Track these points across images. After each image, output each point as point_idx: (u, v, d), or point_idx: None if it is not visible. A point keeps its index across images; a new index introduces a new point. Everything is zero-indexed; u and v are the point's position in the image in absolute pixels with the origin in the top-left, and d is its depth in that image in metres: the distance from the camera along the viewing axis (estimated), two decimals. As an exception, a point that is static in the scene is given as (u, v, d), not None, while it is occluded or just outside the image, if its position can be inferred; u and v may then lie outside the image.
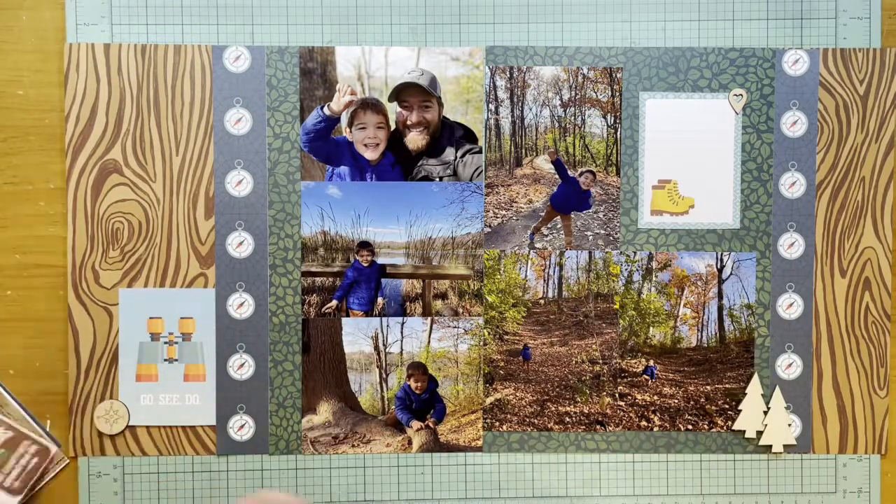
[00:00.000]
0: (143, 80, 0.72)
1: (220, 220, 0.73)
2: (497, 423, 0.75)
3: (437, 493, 0.74)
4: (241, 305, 0.73)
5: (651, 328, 0.75)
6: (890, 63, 0.74)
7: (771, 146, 0.74)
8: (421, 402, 0.75)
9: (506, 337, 0.75)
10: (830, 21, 0.74)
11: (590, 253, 0.75)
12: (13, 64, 0.72)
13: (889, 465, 0.76)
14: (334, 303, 0.74)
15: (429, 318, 0.75)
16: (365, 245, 0.74)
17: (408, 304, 0.74)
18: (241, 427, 0.74)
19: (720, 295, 0.75)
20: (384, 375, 0.75)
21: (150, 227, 0.73)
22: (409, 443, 0.75)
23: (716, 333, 0.75)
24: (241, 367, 0.74)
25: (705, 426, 0.75)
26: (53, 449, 0.71)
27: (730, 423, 0.75)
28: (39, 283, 0.73)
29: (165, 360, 0.73)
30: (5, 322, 0.73)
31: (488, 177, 0.74)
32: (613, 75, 0.74)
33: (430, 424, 0.74)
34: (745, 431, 0.75)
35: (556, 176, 0.75)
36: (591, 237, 0.75)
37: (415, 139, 0.73)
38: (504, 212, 0.75)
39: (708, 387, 0.75)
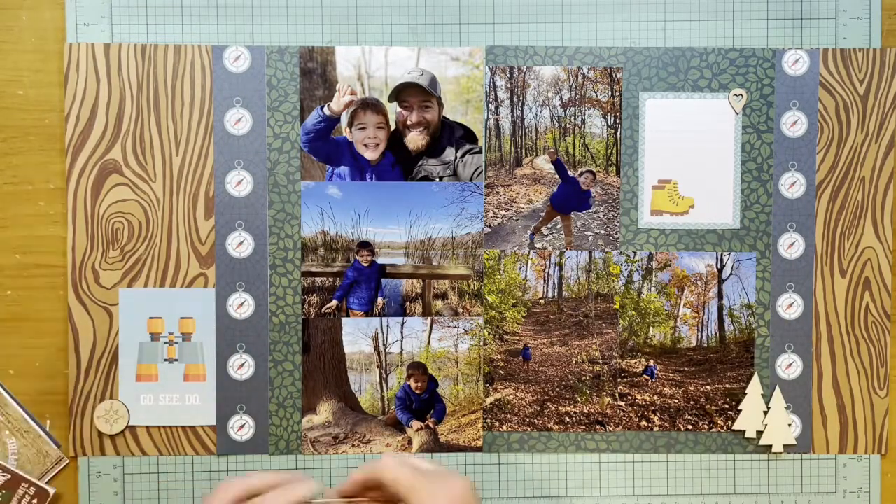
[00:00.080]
0: (143, 80, 0.72)
1: (220, 220, 0.73)
2: (497, 423, 0.75)
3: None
4: (241, 305, 0.73)
5: (651, 328, 0.75)
6: (890, 63, 0.74)
7: (771, 146, 0.74)
8: (421, 402, 0.75)
9: (506, 337, 0.75)
10: (830, 21, 0.74)
11: (590, 253, 0.75)
12: (13, 64, 0.72)
13: (889, 465, 0.76)
14: (334, 303, 0.74)
15: (429, 318, 0.75)
16: (365, 245, 0.74)
17: (408, 304, 0.74)
18: (241, 427, 0.74)
19: (720, 295, 0.75)
20: (384, 375, 0.75)
21: (150, 227, 0.73)
22: (409, 443, 0.75)
23: (716, 333, 0.75)
24: (241, 367, 0.74)
25: (705, 426, 0.75)
26: (51, 491, 0.71)
27: (730, 423, 0.75)
28: (39, 283, 0.73)
29: (165, 360, 0.73)
30: (5, 322, 0.73)
31: (488, 177, 0.74)
32: (613, 75, 0.74)
33: (430, 424, 0.74)
34: (745, 431, 0.75)
35: (556, 176, 0.75)
36: (591, 237, 0.75)
37: (415, 139, 0.73)
38: (504, 212, 0.75)
39: (708, 387, 0.75)
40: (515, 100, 0.74)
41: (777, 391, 0.75)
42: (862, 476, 0.75)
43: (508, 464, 0.75)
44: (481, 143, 0.74)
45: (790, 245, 0.75)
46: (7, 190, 0.73)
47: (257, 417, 0.74)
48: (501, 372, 0.75)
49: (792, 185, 0.74)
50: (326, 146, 0.73)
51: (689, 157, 0.74)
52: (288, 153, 0.73)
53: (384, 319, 0.74)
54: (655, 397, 0.75)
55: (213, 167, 0.73)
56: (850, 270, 0.75)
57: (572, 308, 0.75)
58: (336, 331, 0.74)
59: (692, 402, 0.75)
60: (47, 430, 0.73)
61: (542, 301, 0.75)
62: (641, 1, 0.74)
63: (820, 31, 0.74)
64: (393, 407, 0.75)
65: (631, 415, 0.75)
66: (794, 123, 0.74)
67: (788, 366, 0.75)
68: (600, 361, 0.75)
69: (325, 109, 0.73)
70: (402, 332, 0.74)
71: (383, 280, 0.74)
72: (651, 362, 0.75)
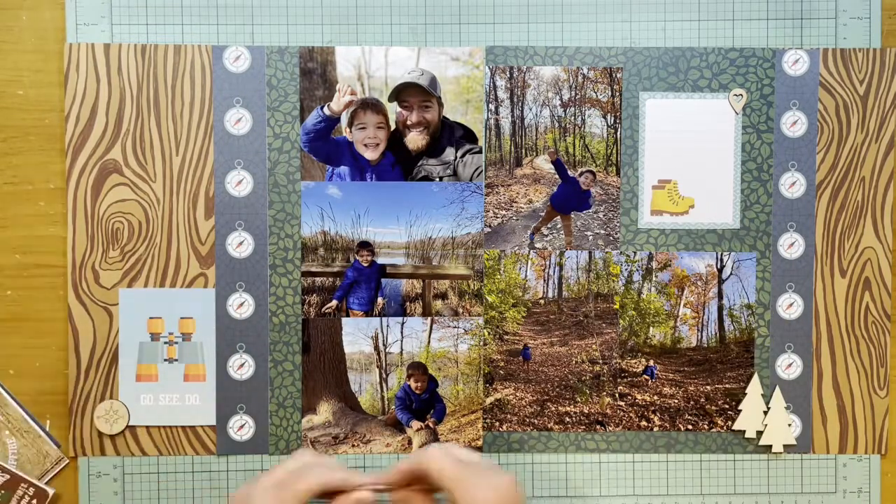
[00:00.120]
0: (143, 80, 0.72)
1: (220, 220, 0.73)
2: (497, 423, 0.75)
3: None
4: (241, 305, 0.73)
5: (651, 328, 0.75)
6: (890, 63, 0.74)
7: (771, 146, 0.74)
8: (421, 402, 0.75)
9: (506, 337, 0.75)
10: (830, 21, 0.74)
11: (590, 253, 0.75)
12: (13, 64, 0.72)
13: (889, 465, 0.76)
14: (334, 303, 0.74)
15: (429, 318, 0.75)
16: (365, 245, 0.74)
17: (408, 304, 0.74)
18: (241, 427, 0.74)
19: (720, 295, 0.75)
20: (384, 375, 0.75)
21: (150, 227, 0.73)
22: (409, 443, 0.75)
23: (716, 333, 0.75)
24: (241, 367, 0.74)
25: (705, 426, 0.75)
26: (50, 492, 0.71)
27: (730, 423, 0.75)
28: (39, 283, 0.73)
29: (165, 360, 0.73)
30: (5, 322, 0.73)
31: (488, 177, 0.74)
32: (613, 75, 0.74)
33: (430, 424, 0.74)
34: (745, 431, 0.75)
35: (556, 176, 0.75)
36: (591, 237, 0.75)
37: (415, 139, 0.73)
38: (504, 212, 0.75)
39: (708, 387, 0.75)
40: (515, 100, 0.74)
41: (777, 391, 0.75)
42: (862, 476, 0.75)
43: (508, 464, 0.75)
44: (481, 143, 0.74)
45: (790, 245, 0.75)
46: (7, 190, 0.73)
47: (257, 417, 0.74)
48: (501, 372, 0.75)
49: (792, 185, 0.74)
50: (326, 146, 0.73)
51: (689, 157, 0.74)
52: (288, 153, 0.73)
53: (384, 319, 0.74)
54: (655, 397, 0.75)
55: (213, 167, 0.73)
56: (850, 270, 0.75)
57: (572, 308, 0.75)
58: (336, 331, 0.74)
59: (692, 402, 0.75)
60: (47, 430, 0.73)
61: (542, 301, 0.75)
62: (641, 1, 0.74)
63: (820, 31, 0.74)
64: (393, 407, 0.75)
65: (631, 415, 0.75)
66: (794, 123, 0.74)
67: (788, 366, 0.75)
68: (600, 361, 0.75)
69: (325, 109, 0.73)
70: (402, 332, 0.74)
71: (383, 280, 0.74)
72: (651, 362, 0.75)
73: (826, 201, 0.75)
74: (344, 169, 0.73)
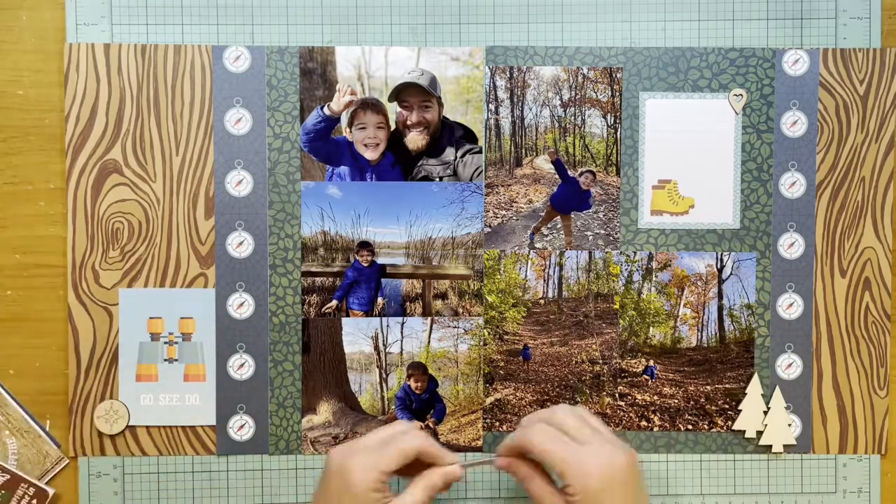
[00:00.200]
0: (143, 80, 0.72)
1: (220, 220, 0.73)
2: (497, 423, 0.75)
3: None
4: (241, 305, 0.73)
5: (651, 328, 0.75)
6: (890, 63, 0.74)
7: (771, 146, 0.74)
8: (421, 402, 0.75)
9: (506, 337, 0.75)
10: (830, 21, 0.74)
11: (590, 253, 0.75)
12: (13, 64, 0.72)
13: (889, 465, 0.76)
14: (334, 303, 0.74)
15: (429, 318, 0.75)
16: (365, 245, 0.74)
17: (408, 304, 0.74)
18: (241, 427, 0.74)
19: (720, 295, 0.75)
20: (384, 375, 0.75)
21: (150, 227, 0.73)
22: (409, 443, 0.74)
23: (716, 333, 0.75)
24: (241, 367, 0.74)
25: (705, 426, 0.75)
26: (50, 492, 0.71)
27: (730, 423, 0.75)
28: (39, 283, 0.73)
29: (165, 360, 0.73)
30: (5, 322, 0.73)
31: (488, 177, 0.74)
32: (613, 75, 0.74)
33: (430, 424, 0.74)
34: (745, 431, 0.75)
35: (556, 176, 0.75)
36: (591, 237, 0.75)
37: (415, 139, 0.73)
38: (504, 212, 0.75)
39: (708, 387, 0.75)
40: (515, 100, 0.74)
41: (777, 391, 0.75)
42: (862, 476, 0.75)
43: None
44: (481, 143, 0.74)
45: (790, 245, 0.75)
46: (7, 190, 0.73)
47: (257, 417, 0.74)
48: (501, 372, 0.75)
49: (792, 185, 0.74)
50: (326, 146, 0.73)
51: (689, 157, 0.74)
52: (288, 153, 0.73)
53: (384, 319, 0.74)
54: (655, 397, 0.75)
55: (213, 167, 0.73)
56: (850, 270, 0.75)
57: (572, 308, 0.75)
58: (336, 331, 0.74)
59: (692, 402, 0.75)
60: (47, 430, 0.73)
61: (542, 301, 0.75)
62: (641, 1, 0.74)
63: (820, 31, 0.74)
64: (393, 407, 0.75)
65: (631, 415, 0.75)
66: (794, 123, 0.74)
67: (788, 366, 0.75)
68: (600, 361, 0.75)
69: (325, 109, 0.73)
70: (402, 332, 0.74)
71: (383, 280, 0.74)
72: (651, 362, 0.75)
73: (826, 201, 0.75)
74: (344, 169, 0.73)
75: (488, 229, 0.74)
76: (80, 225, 0.72)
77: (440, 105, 0.73)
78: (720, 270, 0.75)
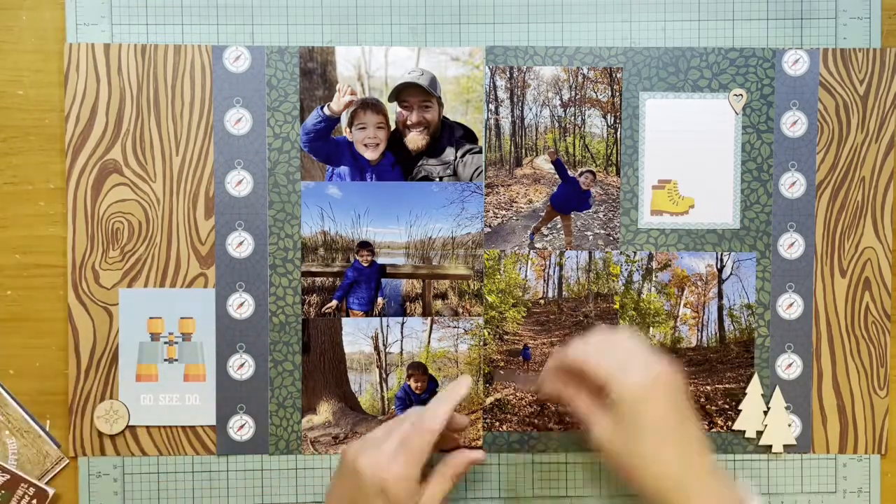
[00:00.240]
0: (143, 80, 0.72)
1: (220, 220, 0.73)
2: (497, 423, 0.75)
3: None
4: (241, 305, 0.73)
5: (651, 328, 0.75)
6: (890, 63, 0.74)
7: (771, 146, 0.74)
8: (421, 402, 0.75)
9: (506, 337, 0.75)
10: (830, 21, 0.74)
11: (590, 253, 0.75)
12: (13, 64, 0.72)
13: (889, 465, 0.76)
14: (334, 303, 0.74)
15: (429, 318, 0.75)
16: (365, 245, 0.74)
17: (408, 304, 0.74)
18: (241, 427, 0.74)
19: (720, 295, 0.75)
20: (384, 375, 0.75)
21: (150, 227, 0.73)
22: (409, 443, 0.74)
23: (716, 333, 0.75)
24: (241, 367, 0.74)
25: (705, 426, 0.75)
26: (50, 492, 0.71)
27: (730, 423, 0.75)
28: (39, 283, 0.73)
29: (165, 360, 0.73)
30: (5, 322, 0.73)
31: (488, 177, 0.74)
32: (613, 75, 0.74)
33: (430, 424, 0.74)
34: (745, 431, 0.75)
35: (556, 176, 0.75)
36: (591, 237, 0.75)
37: (415, 139, 0.73)
38: (504, 212, 0.75)
39: (708, 387, 0.75)
40: (515, 100, 0.74)
41: (777, 391, 0.75)
42: (862, 476, 0.75)
43: (508, 464, 0.75)
44: (481, 143, 0.74)
45: (790, 245, 0.75)
46: (7, 190, 0.73)
47: (257, 417, 0.74)
48: (501, 372, 0.75)
49: (792, 185, 0.74)
50: (326, 146, 0.73)
51: (689, 157, 0.74)
52: (288, 153, 0.73)
53: (384, 319, 0.74)
54: (655, 397, 0.75)
55: (213, 167, 0.73)
56: (850, 270, 0.75)
57: (572, 308, 0.75)
58: (336, 331, 0.74)
59: (692, 402, 0.75)
60: (47, 430, 0.73)
61: (542, 301, 0.75)
62: (641, 1, 0.74)
63: (820, 31, 0.74)
64: (393, 407, 0.75)
65: (631, 415, 0.75)
66: (794, 123, 0.74)
67: (788, 366, 0.75)
68: (600, 361, 0.75)
69: (325, 109, 0.73)
70: (402, 332, 0.74)
71: (383, 280, 0.74)
72: (651, 362, 0.75)
73: (826, 201, 0.75)
74: (344, 169, 0.73)
75: (488, 229, 0.74)
76: (80, 225, 0.72)
77: (440, 105, 0.73)
78: (720, 270, 0.75)
